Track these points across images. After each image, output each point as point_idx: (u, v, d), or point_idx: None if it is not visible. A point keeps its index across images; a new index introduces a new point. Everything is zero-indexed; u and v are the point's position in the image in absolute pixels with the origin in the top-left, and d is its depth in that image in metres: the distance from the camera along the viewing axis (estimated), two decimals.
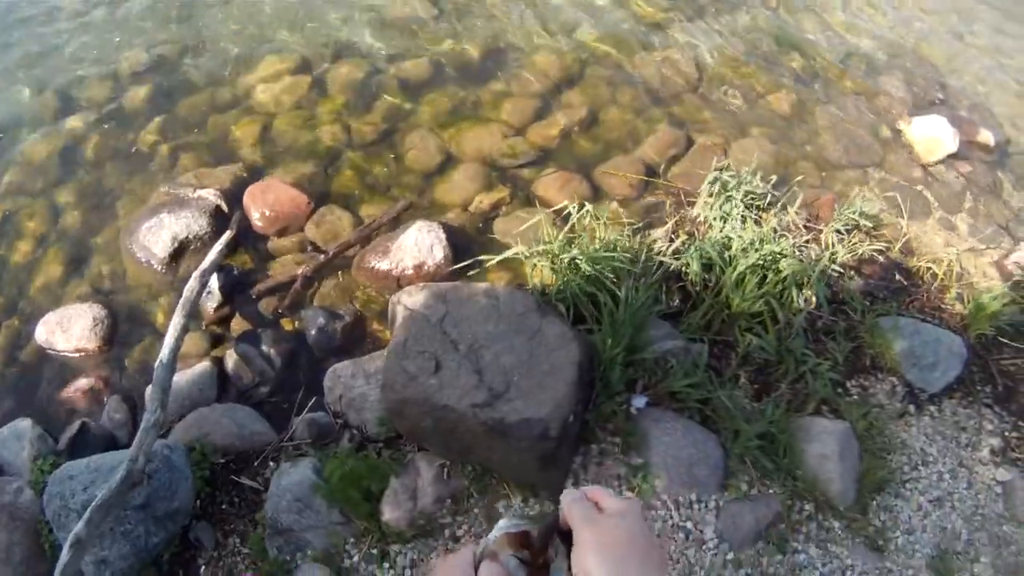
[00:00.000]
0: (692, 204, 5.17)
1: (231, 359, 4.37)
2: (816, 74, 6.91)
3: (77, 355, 4.52)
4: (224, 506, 3.79)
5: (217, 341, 4.58)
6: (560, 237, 4.47)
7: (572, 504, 1.11)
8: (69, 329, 4.50)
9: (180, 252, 4.87)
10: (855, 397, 4.36)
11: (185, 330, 4.14)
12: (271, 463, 3.91)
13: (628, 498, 1.15)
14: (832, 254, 4.79)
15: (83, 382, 4.38)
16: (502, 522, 1.12)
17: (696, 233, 4.93)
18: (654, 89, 6.39)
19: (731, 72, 6.70)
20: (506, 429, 3.34)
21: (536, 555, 1.08)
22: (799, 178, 5.47)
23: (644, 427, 3.87)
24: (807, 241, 4.95)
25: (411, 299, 3.86)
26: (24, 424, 4.02)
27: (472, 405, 3.38)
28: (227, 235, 4.84)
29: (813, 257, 4.69)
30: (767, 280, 4.36)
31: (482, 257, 4.58)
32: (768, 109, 6.39)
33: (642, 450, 3.81)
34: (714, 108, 6.31)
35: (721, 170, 5.12)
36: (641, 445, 3.81)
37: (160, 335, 4.19)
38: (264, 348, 4.43)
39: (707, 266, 4.50)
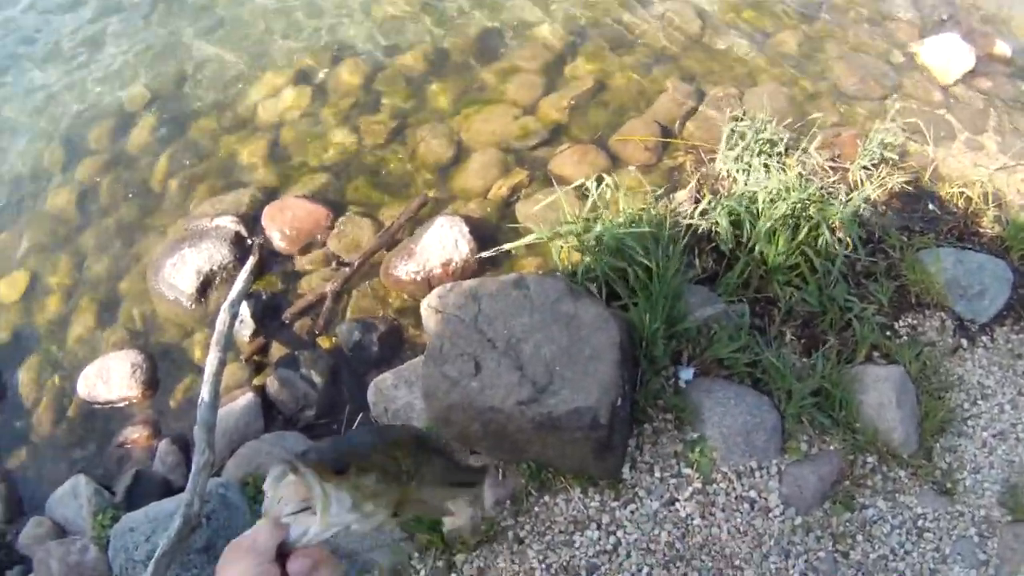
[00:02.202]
0: (713, 160, 5.05)
1: (273, 386, 4.35)
2: (820, 5, 6.70)
3: (122, 404, 4.53)
4: None
5: (257, 370, 4.56)
6: (582, 215, 4.38)
7: None
8: (109, 379, 4.50)
9: (207, 284, 4.84)
10: (905, 338, 4.25)
11: (223, 365, 4.10)
12: None
13: None
14: (861, 192, 4.64)
15: (131, 430, 4.39)
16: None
17: (721, 190, 4.81)
18: (659, 47, 6.24)
19: (734, 17, 6.53)
20: (556, 422, 3.28)
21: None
22: (818, 115, 5.30)
23: (695, 399, 3.80)
24: (834, 182, 4.82)
25: (441, 301, 3.82)
26: (79, 480, 4.03)
27: (518, 403, 3.31)
28: (251, 261, 4.79)
29: (843, 198, 4.56)
30: (800, 229, 4.24)
31: (506, 246, 4.51)
32: (776, 50, 6.22)
33: (696, 423, 3.74)
34: (722, 57, 6.15)
35: (737, 120, 4.99)
36: (694, 418, 3.75)
37: (200, 371, 4.16)
38: (304, 370, 4.40)
39: (736, 223, 4.38)
